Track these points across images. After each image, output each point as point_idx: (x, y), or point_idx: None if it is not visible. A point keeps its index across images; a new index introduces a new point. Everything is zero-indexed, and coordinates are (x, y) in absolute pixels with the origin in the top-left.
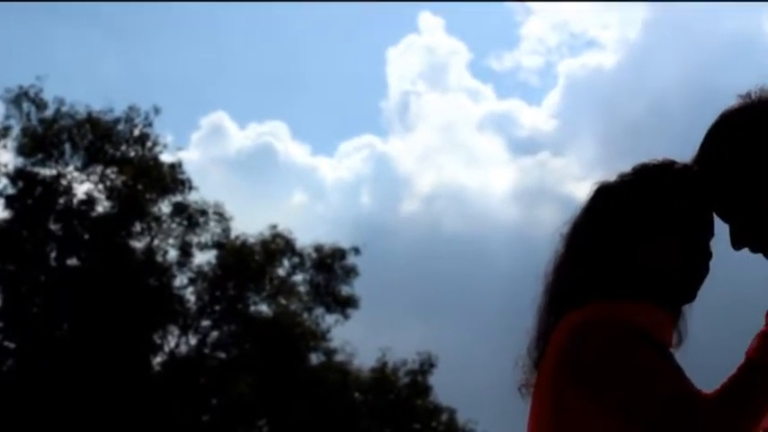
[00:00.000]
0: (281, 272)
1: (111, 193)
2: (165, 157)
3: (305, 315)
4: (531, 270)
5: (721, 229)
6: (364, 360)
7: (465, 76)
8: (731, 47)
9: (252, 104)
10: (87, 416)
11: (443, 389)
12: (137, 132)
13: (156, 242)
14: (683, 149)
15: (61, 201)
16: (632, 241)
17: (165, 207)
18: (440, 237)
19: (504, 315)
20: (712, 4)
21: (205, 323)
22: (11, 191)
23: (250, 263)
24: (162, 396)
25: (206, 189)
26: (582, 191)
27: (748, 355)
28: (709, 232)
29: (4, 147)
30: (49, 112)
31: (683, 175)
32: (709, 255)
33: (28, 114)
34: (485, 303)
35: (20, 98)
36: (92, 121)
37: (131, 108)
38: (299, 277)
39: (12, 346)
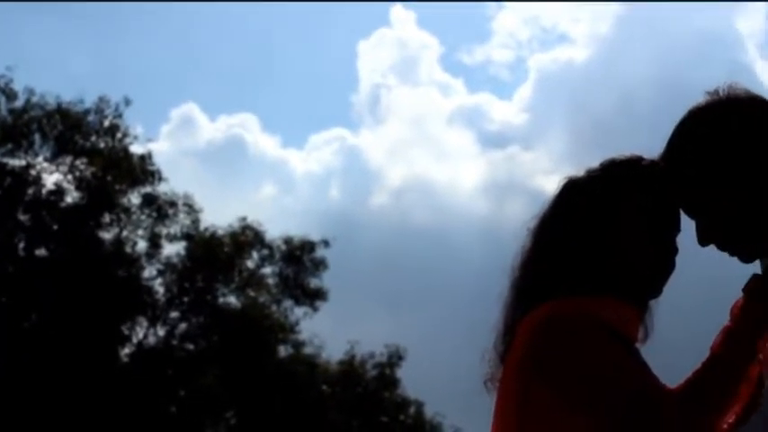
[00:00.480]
0: (250, 264)
1: (80, 183)
2: (135, 149)
3: (273, 307)
4: (499, 264)
5: (690, 225)
6: (332, 353)
7: (436, 69)
8: (701, 43)
9: (222, 96)
10: (54, 406)
11: (411, 382)
12: (107, 123)
13: (125, 233)
14: (653, 145)
15: (30, 191)
16: (598, 237)
17: (134, 198)
18: (409, 230)
19: (473, 309)
20: (683, 2)
21: (173, 315)
22: None
23: (219, 255)
24: (130, 387)
25: (176, 181)
26: (551, 185)
27: (712, 351)
28: (675, 228)
29: None
30: (18, 103)
31: (651, 171)
32: (675, 250)
33: None
34: (453, 297)
35: None
36: (62, 112)
37: (102, 99)
38: (267, 269)
39: None
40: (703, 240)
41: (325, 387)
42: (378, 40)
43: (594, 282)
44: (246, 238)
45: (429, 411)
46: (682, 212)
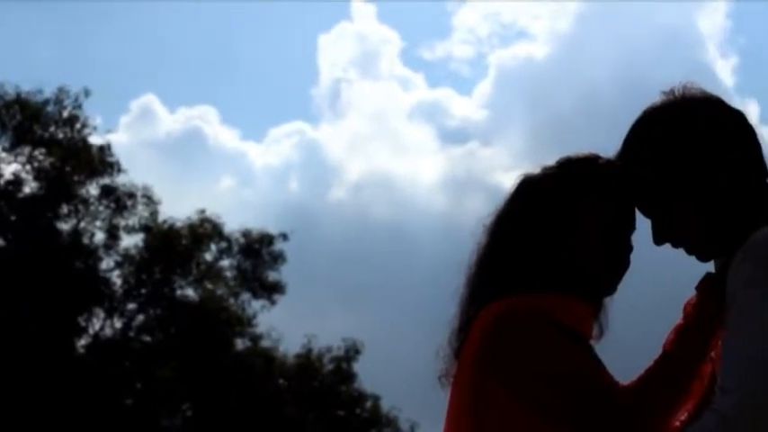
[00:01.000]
0: (209, 256)
1: (38, 174)
2: (94, 140)
3: (231, 300)
4: (457, 259)
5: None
6: (290, 346)
7: (396, 64)
8: (662, 42)
9: (182, 88)
10: (9, 397)
11: (368, 376)
12: (66, 114)
13: (83, 224)
14: (612, 143)
15: None
16: (553, 234)
17: (92, 189)
18: (368, 224)
19: (430, 304)
20: (643, 0)
21: (131, 306)
22: None
23: (177, 247)
24: (85, 379)
25: (134, 172)
26: (510, 181)
27: (664, 349)
28: (630, 227)
29: None
30: None
31: (607, 170)
32: (629, 248)
33: None
34: (411, 292)
35: None
36: (21, 102)
37: (61, 89)
38: (226, 262)
39: None
40: (658, 239)
41: (281, 380)
42: (338, 34)
43: (549, 279)
44: (205, 230)
45: (385, 405)
46: (637, 211)
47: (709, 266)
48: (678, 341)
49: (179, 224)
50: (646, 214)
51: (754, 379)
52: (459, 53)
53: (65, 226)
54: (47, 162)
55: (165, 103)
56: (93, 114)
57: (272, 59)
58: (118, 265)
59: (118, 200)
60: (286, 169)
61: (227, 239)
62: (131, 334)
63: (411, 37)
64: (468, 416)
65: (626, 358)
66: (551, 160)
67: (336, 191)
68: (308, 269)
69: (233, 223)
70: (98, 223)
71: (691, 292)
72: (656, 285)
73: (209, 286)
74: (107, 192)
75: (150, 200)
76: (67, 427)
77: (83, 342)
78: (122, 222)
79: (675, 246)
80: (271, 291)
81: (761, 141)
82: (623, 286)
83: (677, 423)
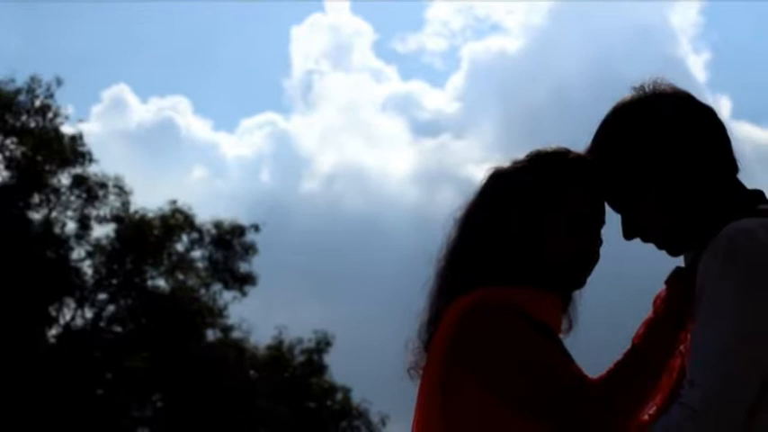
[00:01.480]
0: (180, 247)
1: (10, 163)
2: (66, 129)
3: (202, 291)
4: (429, 252)
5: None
6: (261, 338)
7: (369, 56)
8: (634, 37)
9: (154, 78)
10: None
11: (339, 368)
12: (38, 103)
13: (54, 214)
14: (584, 137)
15: None
16: (523, 227)
17: (64, 179)
18: (339, 216)
19: (402, 296)
20: None
21: (102, 296)
22: None
23: (149, 237)
24: (56, 369)
25: (106, 162)
26: (482, 174)
27: (634, 342)
28: (599, 221)
29: None
30: None
31: (577, 164)
32: (598, 242)
33: None
34: (382, 284)
35: None
36: None
37: (33, 78)
38: (197, 253)
39: None
40: (628, 234)
41: (252, 372)
42: (311, 26)
43: (518, 272)
44: (176, 221)
45: (356, 398)
46: (607, 206)
47: (679, 261)
48: (647, 335)
49: (150, 214)
50: (615, 209)
51: (722, 372)
52: (432, 46)
53: (36, 215)
54: (18, 151)
55: (136, 92)
56: (65, 104)
57: (245, 50)
58: (89, 254)
59: (89, 190)
60: (258, 160)
61: (199, 230)
62: (102, 324)
63: (384, 29)
64: (437, 408)
65: (595, 352)
66: (523, 154)
67: (308, 182)
68: (279, 260)
69: (204, 214)
70: (69, 213)
71: (660, 286)
72: (626, 279)
73: (181, 277)
74: (78, 181)
75: (122, 190)
76: (38, 417)
77: (53, 332)
78: (94, 212)
79: (645, 240)
80: (242, 282)
81: (731, 137)
82: (592, 280)
83: (646, 416)
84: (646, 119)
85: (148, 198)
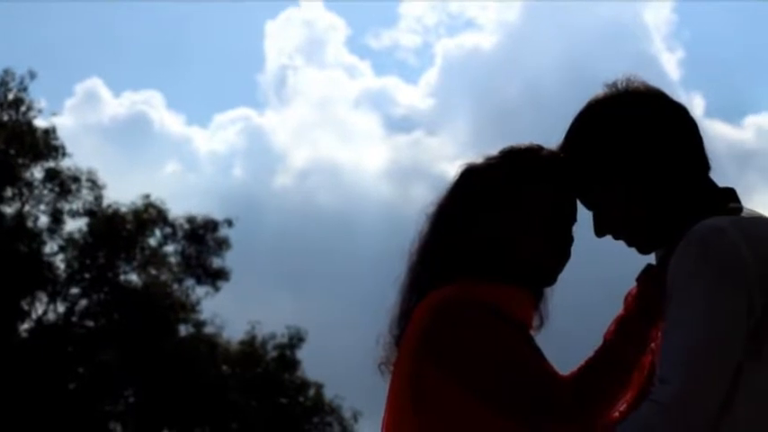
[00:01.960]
0: (153, 242)
1: None
2: (39, 123)
3: (175, 286)
4: (402, 248)
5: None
6: (233, 333)
7: (343, 52)
8: (608, 34)
9: (127, 72)
10: None
11: (312, 364)
12: (11, 96)
13: (27, 208)
14: (556, 134)
15: None
16: (494, 223)
17: (37, 173)
18: (312, 212)
19: (375, 292)
20: None
21: (74, 291)
22: None
23: (121, 232)
24: (28, 363)
25: (79, 156)
26: (455, 171)
27: (605, 339)
28: (571, 218)
29: None
30: None
31: (549, 160)
32: (570, 239)
33: None
34: (355, 280)
35: None
36: None
37: (6, 72)
38: (170, 248)
39: None
40: (599, 231)
41: (225, 367)
42: (285, 21)
43: (490, 268)
44: (149, 215)
45: (329, 393)
46: (579, 204)
47: (651, 258)
48: (618, 332)
49: (123, 209)
50: (587, 206)
51: (692, 369)
52: (406, 42)
53: (8, 209)
54: None
55: (110, 86)
56: (39, 97)
57: (219, 45)
58: (62, 249)
59: (62, 183)
60: (231, 155)
61: (172, 225)
62: (74, 318)
63: (358, 25)
64: (408, 403)
65: (566, 349)
66: (496, 150)
67: (281, 178)
68: (252, 256)
69: (178, 209)
70: (42, 207)
71: (632, 284)
72: (598, 276)
73: (153, 272)
74: (51, 175)
75: (95, 184)
76: (9, 411)
77: (25, 326)
78: (66, 206)
79: (616, 238)
80: (215, 277)
81: (703, 135)
82: (564, 277)
83: (617, 413)
84: (618, 116)
85: (121, 192)
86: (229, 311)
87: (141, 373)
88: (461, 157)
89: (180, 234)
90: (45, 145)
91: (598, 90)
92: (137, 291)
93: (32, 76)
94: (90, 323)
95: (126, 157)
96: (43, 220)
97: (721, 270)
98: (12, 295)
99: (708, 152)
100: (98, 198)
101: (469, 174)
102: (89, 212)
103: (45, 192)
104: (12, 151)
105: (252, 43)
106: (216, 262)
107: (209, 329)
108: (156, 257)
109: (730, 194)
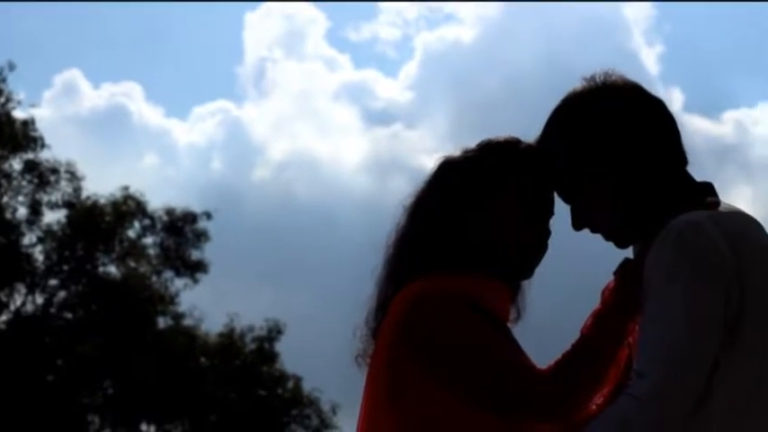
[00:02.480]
0: (132, 234)
1: None
2: (18, 114)
3: (154, 278)
4: (380, 241)
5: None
6: (212, 325)
7: (322, 44)
8: (588, 28)
9: (106, 64)
10: None
11: (290, 356)
12: None
13: (5, 199)
14: (536, 128)
15: None
16: (471, 216)
17: (16, 164)
18: (291, 205)
19: (353, 285)
20: None
21: (53, 282)
22: None
23: (100, 224)
24: (6, 355)
25: (58, 147)
26: (433, 164)
27: (582, 333)
28: (548, 211)
29: None
30: None
31: (527, 153)
32: (547, 233)
33: None
34: (334, 272)
35: None
36: None
37: None
38: (149, 240)
39: None
40: (576, 224)
41: (203, 359)
42: (265, 13)
43: (467, 260)
44: (128, 207)
45: (307, 386)
46: (557, 198)
47: (628, 252)
48: (596, 326)
49: (102, 201)
50: (564, 199)
51: (669, 363)
52: (386, 35)
53: None
54: None
55: (89, 78)
56: (17, 89)
57: (198, 37)
58: (40, 240)
59: (41, 175)
60: (210, 148)
61: (151, 217)
62: (53, 310)
63: (337, 17)
64: (384, 394)
65: (543, 342)
66: (475, 144)
67: (260, 170)
68: (231, 248)
69: (156, 201)
70: (21, 198)
71: (609, 278)
72: (575, 271)
73: (132, 264)
74: (30, 167)
75: (73, 176)
76: None
77: (3, 318)
78: (45, 198)
79: (594, 231)
80: (193, 269)
81: (681, 129)
82: (542, 270)
83: (594, 407)
84: (595, 109)
85: (100, 184)
86: (208, 304)
87: (119, 365)
88: (440, 151)
89: (159, 226)
90: (24, 136)
91: (577, 84)
92: (115, 283)
93: (11, 67)
94: (68, 315)
95: (105, 149)
96: (22, 212)
97: (699, 265)
98: None
99: (686, 146)
100: (77, 190)
101: (447, 166)
102: (68, 204)
103: (24, 183)
104: None
105: (231, 36)
106: (195, 254)
107: (187, 322)
108: (135, 249)
109: (708, 189)
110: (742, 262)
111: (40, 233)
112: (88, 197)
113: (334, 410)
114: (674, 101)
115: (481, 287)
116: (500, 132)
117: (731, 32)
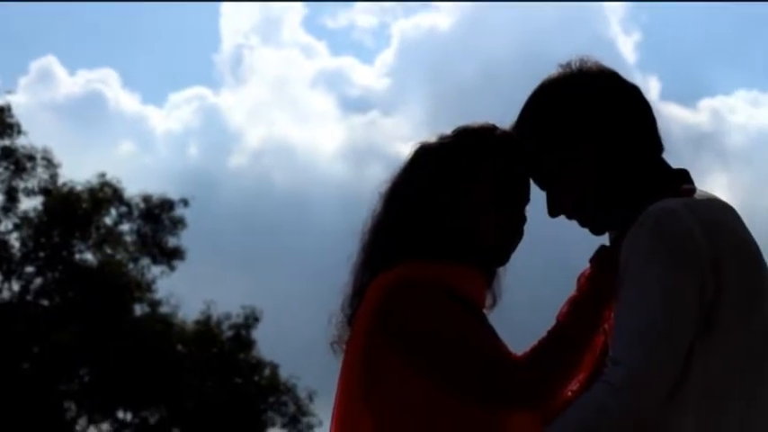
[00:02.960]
0: (108, 221)
1: None
2: None
3: (130, 265)
4: (356, 228)
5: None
6: (189, 312)
7: (299, 31)
8: (564, 16)
9: (82, 50)
10: None
11: (267, 344)
12: None
13: None
14: (512, 115)
15: None
16: (447, 202)
17: None
18: (268, 192)
19: (330, 272)
20: None
21: (29, 269)
22: None
23: (77, 210)
24: None
25: (34, 134)
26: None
27: (558, 320)
28: (524, 198)
29: None
30: None
31: (502, 140)
32: (522, 219)
33: None
34: (311, 260)
35: None
36: None
37: None
38: (125, 227)
39: None
40: (552, 211)
41: (180, 347)
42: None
43: (442, 247)
44: (105, 194)
45: (284, 373)
46: (533, 185)
47: (604, 239)
48: (571, 313)
49: (79, 188)
50: (540, 185)
51: (644, 351)
52: (363, 22)
53: None
54: None
55: (65, 64)
56: None
57: (175, 24)
58: (16, 227)
59: (17, 162)
60: (186, 135)
61: (127, 204)
62: (29, 297)
63: (314, 4)
64: (360, 381)
65: (519, 330)
66: (451, 130)
67: (237, 157)
68: (207, 235)
69: (133, 188)
70: None
71: (585, 265)
72: (551, 258)
73: (109, 251)
74: (6, 153)
75: (50, 162)
76: None
77: None
78: (21, 185)
79: (569, 217)
80: (170, 256)
81: (657, 116)
82: (517, 257)
83: (569, 393)
84: (570, 95)
85: (77, 171)
86: (185, 291)
87: (96, 352)
88: (417, 138)
89: (135, 213)
90: (0, 123)
91: (553, 71)
92: (92, 270)
93: None
94: (45, 302)
95: (81, 136)
96: None
97: (674, 252)
98: None
99: (661, 133)
100: (53, 176)
101: (423, 153)
102: (44, 191)
103: (0, 170)
104: None
105: (208, 22)
106: (171, 241)
107: (164, 309)
108: (112, 236)
109: (684, 176)
110: (718, 249)
111: (16, 220)
112: (64, 184)
113: (310, 397)
114: (651, 89)
115: (457, 274)
116: (476, 119)
117: (708, 21)
